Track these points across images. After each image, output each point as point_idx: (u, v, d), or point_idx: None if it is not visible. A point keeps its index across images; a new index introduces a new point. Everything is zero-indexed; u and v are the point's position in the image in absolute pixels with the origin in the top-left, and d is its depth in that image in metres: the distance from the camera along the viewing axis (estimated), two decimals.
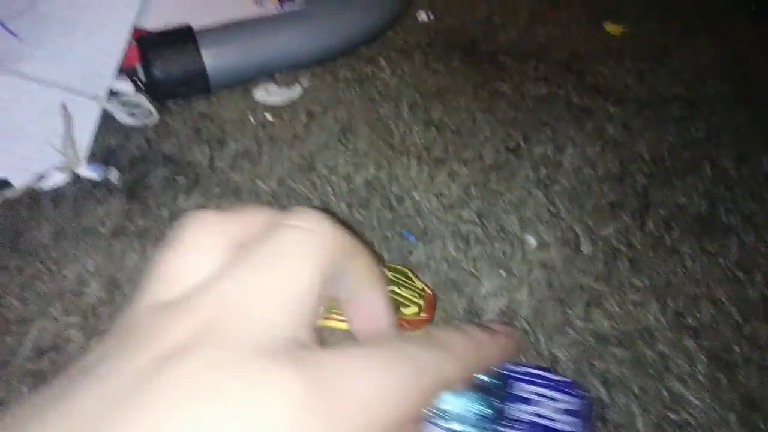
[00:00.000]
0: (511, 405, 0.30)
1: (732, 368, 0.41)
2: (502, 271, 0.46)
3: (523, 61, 0.74)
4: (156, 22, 0.61)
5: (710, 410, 0.39)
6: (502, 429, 0.28)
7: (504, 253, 0.48)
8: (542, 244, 0.49)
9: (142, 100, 0.57)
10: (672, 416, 0.38)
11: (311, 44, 0.68)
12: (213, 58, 0.59)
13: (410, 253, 0.47)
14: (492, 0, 0.86)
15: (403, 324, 0.39)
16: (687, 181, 0.57)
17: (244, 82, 0.63)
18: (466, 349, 0.24)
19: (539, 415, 0.30)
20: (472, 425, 0.27)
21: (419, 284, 0.42)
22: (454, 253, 0.48)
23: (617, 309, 0.45)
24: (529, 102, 0.67)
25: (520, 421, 0.30)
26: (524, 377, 0.31)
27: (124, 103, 0.57)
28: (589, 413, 0.32)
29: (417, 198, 0.53)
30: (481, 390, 0.27)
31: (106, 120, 0.56)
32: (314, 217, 0.21)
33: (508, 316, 0.43)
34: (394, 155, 0.58)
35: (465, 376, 0.25)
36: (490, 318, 0.43)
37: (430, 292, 0.42)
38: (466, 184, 0.55)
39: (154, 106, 0.58)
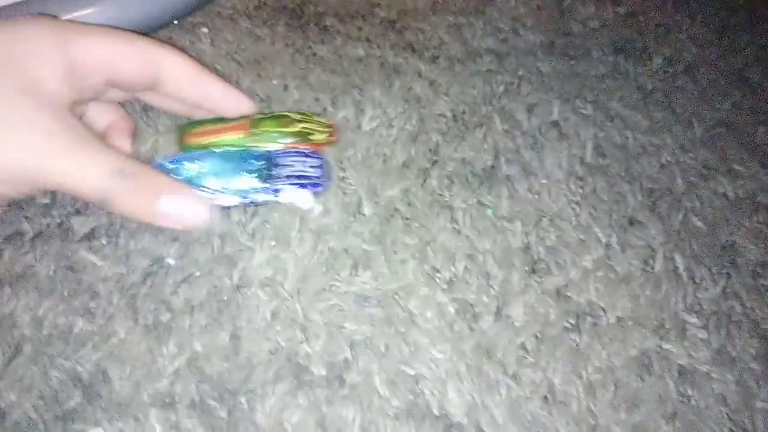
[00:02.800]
0: (274, 169, 0.47)
1: (476, 319, 0.42)
2: (275, 242, 0.46)
3: (348, 22, 0.73)
4: None
5: (447, 362, 0.40)
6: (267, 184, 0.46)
7: (284, 223, 0.47)
8: (325, 211, 0.49)
9: None
10: (408, 370, 0.39)
11: (122, 17, 0.65)
12: None
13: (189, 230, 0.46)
14: None
15: (317, 148, 0.50)
16: (477, 135, 0.57)
17: None
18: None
19: (293, 170, 0.47)
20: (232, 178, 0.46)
21: (320, 118, 0.53)
22: (234, 227, 0.47)
23: (383, 270, 0.45)
24: (345, 65, 0.66)
25: (280, 177, 0.46)
26: (284, 153, 0.48)
27: None
28: (326, 167, 0.49)
29: None
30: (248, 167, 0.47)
31: None
32: None
33: (271, 287, 0.43)
34: None
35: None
36: (254, 291, 0.43)
37: (332, 122, 0.53)
38: None
39: None
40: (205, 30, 0.69)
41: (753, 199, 0.52)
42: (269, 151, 0.49)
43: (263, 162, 0.48)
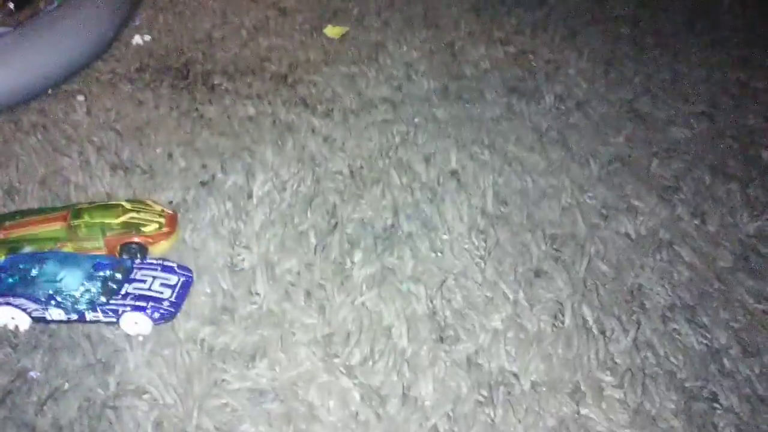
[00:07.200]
0: (128, 284, 0.40)
1: (383, 403, 0.38)
2: (153, 340, 0.40)
3: (238, 79, 0.68)
4: None
5: None
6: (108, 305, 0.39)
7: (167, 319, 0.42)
8: (213, 292, 0.43)
9: None
10: None
11: None
12: None
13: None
14: (215, 13, 0.79)
15: (147, 240, 0.44)
16: (375, 192, 0.53)
17: None
18: None
19: (144, 289, 0.39)
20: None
21: (158, 208, 0.47)
22: (114, 329, 0.41)
23: (280, 356, 0.40)
24: (235, 125, 0.61)
25: (128, 294, 0.39)
26: (145, 266, 0.41)
27: None
28: (184, 286, 0.41)
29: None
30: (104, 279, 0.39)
31: None
32: None
33: (152, 393, 0.37)
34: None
35: None
36: (132, 401, 0.37)
37: (170, 212, 0.47)
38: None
39: None
40: (81, 98, 0.63)
41: (655, 236, 0.49)
42: (124, 260, 0.42)
43: (111, 272, 0.40)
